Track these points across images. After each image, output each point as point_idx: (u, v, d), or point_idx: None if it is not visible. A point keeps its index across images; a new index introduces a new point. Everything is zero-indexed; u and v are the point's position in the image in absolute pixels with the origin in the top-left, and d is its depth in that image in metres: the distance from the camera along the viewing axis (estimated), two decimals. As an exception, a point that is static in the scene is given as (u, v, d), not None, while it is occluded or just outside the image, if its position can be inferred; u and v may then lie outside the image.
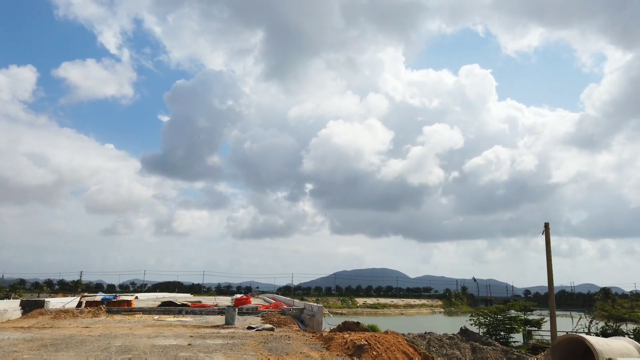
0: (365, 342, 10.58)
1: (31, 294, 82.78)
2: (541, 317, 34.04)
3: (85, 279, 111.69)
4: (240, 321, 19.35)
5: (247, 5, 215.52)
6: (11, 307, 20.91)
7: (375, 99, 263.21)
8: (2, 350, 10.27)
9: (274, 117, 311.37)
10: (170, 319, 20.89)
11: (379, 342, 10.84)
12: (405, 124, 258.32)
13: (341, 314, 79.19)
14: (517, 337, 31.10)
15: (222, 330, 15.73)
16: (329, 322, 19.86)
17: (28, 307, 22.00)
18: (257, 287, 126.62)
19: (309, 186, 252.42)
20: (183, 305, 25.16)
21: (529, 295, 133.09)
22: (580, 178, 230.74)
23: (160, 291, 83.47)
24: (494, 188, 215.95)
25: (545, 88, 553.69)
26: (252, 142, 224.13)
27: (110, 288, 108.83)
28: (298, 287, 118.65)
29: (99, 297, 26.15)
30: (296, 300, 30.62)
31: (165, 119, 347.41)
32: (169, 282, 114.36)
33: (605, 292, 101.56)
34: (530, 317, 34.12)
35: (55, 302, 24.15)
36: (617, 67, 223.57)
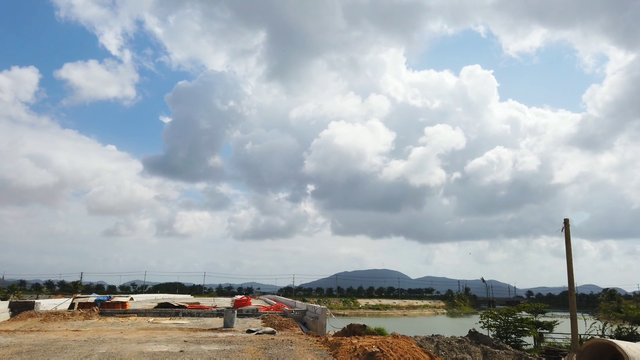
0: (377, 349, 9.49)
1: (30, 295, 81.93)
2: (553, 320, 32.86)
3: (87, 280, 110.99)
4: (240, 324, 18.46)
5: (249, 5, 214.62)
6: (-1, 309, 19.92)
7: (377, 100, 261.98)
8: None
9: (276, 118, 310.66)
10: (165, 321, 19.92)
11: (391, 349, 9.75)
12: (406, 124, 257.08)
13: (343, 315, 78.09)
14: (527, 340, 29.89)
15: (220, 334, 14.69)
16: (333, 325, 18.77)
17: (17, 309, 21.02)
18: (258, 288, 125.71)
19: (310, 187, 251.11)
20: (180, 307, 24.19)
21: (532, 296, 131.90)
22: (582, 179, 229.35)
23: (161, 292, 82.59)
24: (495, 189, 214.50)
25: (547, 89, 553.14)
26: (253, 143, 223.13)
27: (111, 289, 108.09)
28: (299, 288, 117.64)
29: (92, 298, 25.11)
30: (298, 302, 29.58)
31: (166, 120, 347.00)
32: (170, 283, 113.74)
33: (611, 293, 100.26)
34: (542, 319, 32.85)
35: (47, 304, 23.19)
36: (620, 68, 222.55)
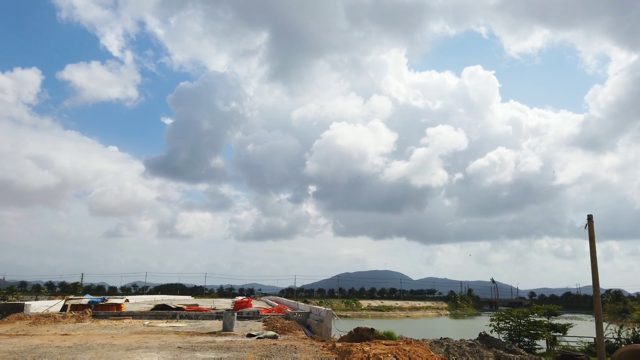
0: (394, 359, 8.39)
1: (30, 296, 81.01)
2: (568, 322, 31.62)
3: (88, 281, 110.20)
4: (240, 327, 17.38)
5: (251, 6, 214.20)
6: (-14, 311, 18.87)
7: (378, 101, 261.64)
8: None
9: (278, 119, 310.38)
10: (161, 324, 18.86)
11: (410, 358, 8.65)
12: (408, 125, 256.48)
13: (345, 316, 76.93)
14: (540, 344, 28.63)
15: (218, 339, 13.60)
16: (338, 328, 17.67)
17: (5, 312, 19.97)
18: (260, 289, 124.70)
19: (312, 188, 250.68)
20: (177, 309, 23.11)
21: (534, 297, 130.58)
22: (584, 180, 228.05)
23: (162, 293, 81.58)
24: (497, 190, 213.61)
25: (549, 89, 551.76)
26: (255, 144, 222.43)
27: (112, 290, 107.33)
28: (301, 289, 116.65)
29: (85, 300, 24.03)
30: (300, 303, 28.51)
31: (168, 121, 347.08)
32: (171, 285, 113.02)
33: (616, 294, 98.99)
34: (554, 322, 31.59)
35: (38, 306, 22.14)
36: (622, 68, 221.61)
